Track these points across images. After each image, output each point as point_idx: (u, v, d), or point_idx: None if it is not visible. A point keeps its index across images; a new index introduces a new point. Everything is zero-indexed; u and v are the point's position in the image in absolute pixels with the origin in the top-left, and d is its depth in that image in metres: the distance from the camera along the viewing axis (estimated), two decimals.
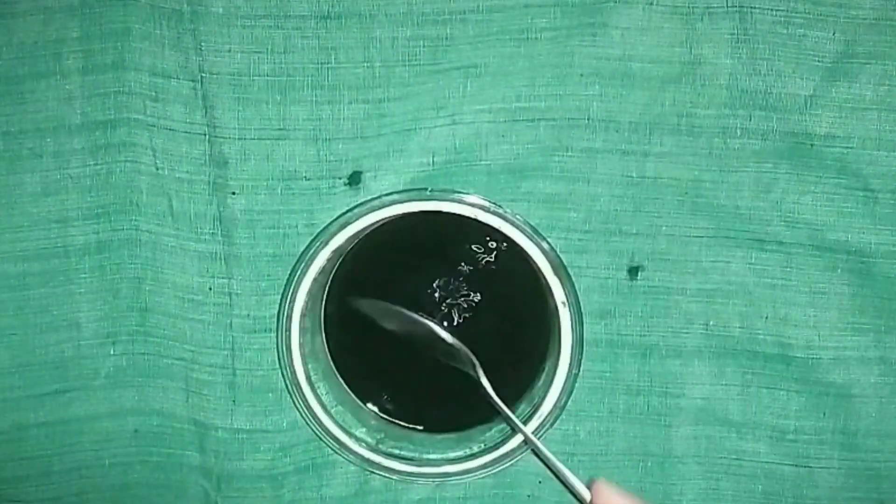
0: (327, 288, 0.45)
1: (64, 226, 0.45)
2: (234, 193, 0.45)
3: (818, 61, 0.44)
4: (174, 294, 0.46)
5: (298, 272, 0.43)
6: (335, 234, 0.43)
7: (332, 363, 0.46)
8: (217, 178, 0.45)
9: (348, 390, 0.46)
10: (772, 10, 0.44)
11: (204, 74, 0.44)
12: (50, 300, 0.46)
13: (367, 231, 0.44)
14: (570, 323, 0.43)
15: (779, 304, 0.46)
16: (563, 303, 0.43)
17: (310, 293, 0.43)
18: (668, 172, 0.45)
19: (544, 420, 0.43)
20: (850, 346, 0.46)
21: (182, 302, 0.46)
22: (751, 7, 0.44)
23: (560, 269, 0.43)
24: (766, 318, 0.46)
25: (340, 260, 0.45)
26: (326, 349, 0.46)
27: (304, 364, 0.44)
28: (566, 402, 0.44)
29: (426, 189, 0.45)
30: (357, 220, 0.43)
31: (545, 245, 0.43)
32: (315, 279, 0.43)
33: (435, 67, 0.44)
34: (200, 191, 0.45)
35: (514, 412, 0.45)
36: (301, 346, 0.44)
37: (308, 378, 0.44)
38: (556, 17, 0.44)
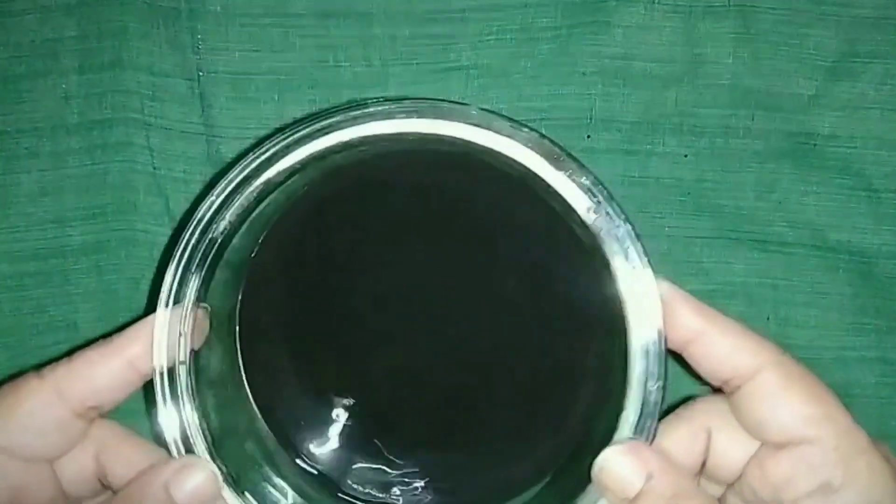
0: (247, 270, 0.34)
1: (61, 226, 0.45)
2: None
3: (821, 61, 0.44)
4: None
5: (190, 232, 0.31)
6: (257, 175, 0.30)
7: (248, 391, 0.35)
8: (215, 177, 0.45)
9: (277, 439, 0.34)
10: (773, 9, 0.44)
11: (201, 73, 0.44)
12: (47, 301, 0.45)
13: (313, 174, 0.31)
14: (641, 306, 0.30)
15: (780, 304, 0.46)
16: (635, 266, 0.30)
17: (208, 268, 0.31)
18: (670, 173, 0.45)
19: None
20: (851, 346, 0.46)
21: None
22: (752, 6, 0.44)
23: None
24: (768, 318, 0.46)
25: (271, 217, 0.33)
26: (240, 365, 0.35)
27: (193, 390, 0.31)
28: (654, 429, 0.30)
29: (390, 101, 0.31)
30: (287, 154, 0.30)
31: (586, 180, 0.30)
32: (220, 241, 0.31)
33: (435, 67, 0.44)
34: (198, 190, 0.45)
35: (557, 461, 0.33)
36: (188, 358, 0.31)
37: (200, 425, 0.31)
38: (558, 16, 0.44)
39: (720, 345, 0.30)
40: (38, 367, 0.32)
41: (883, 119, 0.44)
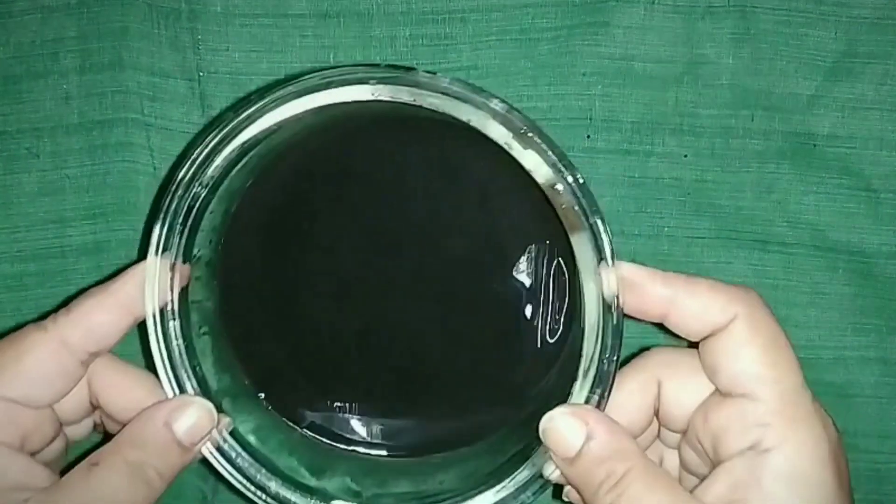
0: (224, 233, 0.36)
1: (61, 226, 0.45)
2: None
3: (820, 61, 0.44)
4: None
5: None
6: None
7: (240, 364, 0.36)
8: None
9: (271, 407, 0.36)
10: (773, 9, 0.44)
11: (202, 73, 0.44)
12: (48, 301, 0.45)
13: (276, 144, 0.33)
14: (591, 256, 0.30)
15: (780, 304, 0.46)
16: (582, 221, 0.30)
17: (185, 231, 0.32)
18: (670, 173, 0.45)
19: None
20: (851, 346, 0.46)
21: None
22: (752, 6, 0.44)
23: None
24: None
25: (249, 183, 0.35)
26: (220, 310, 0.36)
27: (182, 332, 0.33)
28: (607, 392, 0.31)
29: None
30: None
31: (552, 155, 0.30)
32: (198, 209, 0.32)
33: (435, 67, 0.44)
34: None
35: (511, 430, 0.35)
36: (176, 302, 0.32)
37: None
38: (557, 16, 0.44)
39: (693, 306, 0.31)
40: (36, 320, 0.34)
41: (882, 119, 0.44)
